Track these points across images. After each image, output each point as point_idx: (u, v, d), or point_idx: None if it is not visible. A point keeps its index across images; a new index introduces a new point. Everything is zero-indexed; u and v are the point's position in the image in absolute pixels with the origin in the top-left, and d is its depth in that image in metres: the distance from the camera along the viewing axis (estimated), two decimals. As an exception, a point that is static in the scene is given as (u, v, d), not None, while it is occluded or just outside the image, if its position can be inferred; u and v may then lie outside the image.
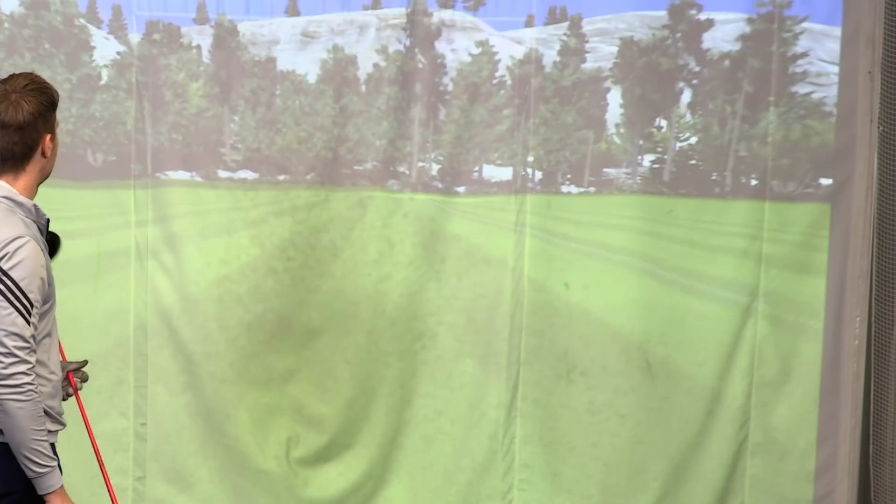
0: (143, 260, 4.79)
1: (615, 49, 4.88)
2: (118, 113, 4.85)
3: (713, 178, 4.92)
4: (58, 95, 3.02)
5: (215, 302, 4.82)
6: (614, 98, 4.95)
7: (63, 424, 3.11)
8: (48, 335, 3.02)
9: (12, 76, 2.97)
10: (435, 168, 4.91)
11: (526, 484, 4.94)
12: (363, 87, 4.89)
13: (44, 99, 2.95)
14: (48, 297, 2.97)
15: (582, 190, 4.95)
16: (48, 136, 2.97)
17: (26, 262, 2.83)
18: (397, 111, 4.87)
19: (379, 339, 4.88)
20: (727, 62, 4.89)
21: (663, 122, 4.97)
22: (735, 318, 4.89)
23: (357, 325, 4.87)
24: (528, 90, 4.88)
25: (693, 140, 4.94)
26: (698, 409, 4.91)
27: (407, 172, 4.90)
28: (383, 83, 4.87)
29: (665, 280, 4.90)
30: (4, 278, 2.80)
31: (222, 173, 4.87)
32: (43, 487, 2.95)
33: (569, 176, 4.94)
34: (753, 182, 4.90)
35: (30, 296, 2.83)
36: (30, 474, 2.92)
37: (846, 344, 4.90)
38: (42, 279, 2.90)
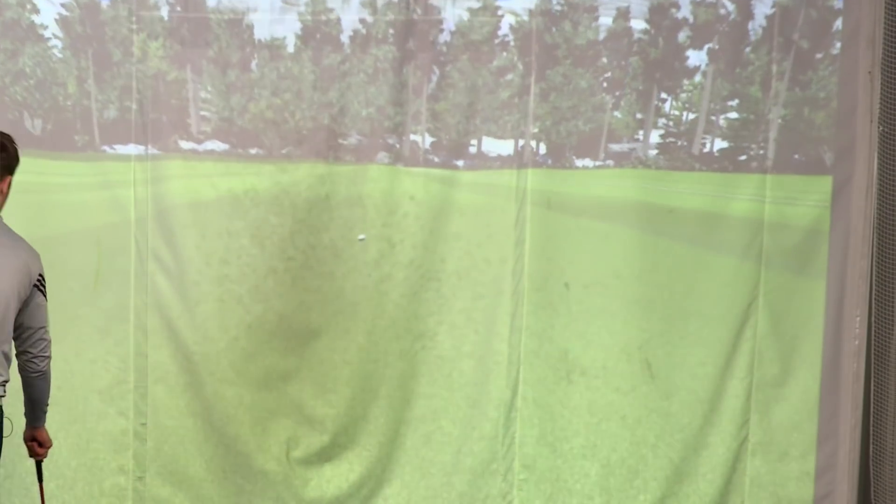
0: (143, 260, 4.78)
1: (609, 20, 4.68)
2: (55, 71, 4.50)
3: (751, 151, 4.66)
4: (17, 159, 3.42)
5: (215, 302, 4.82)
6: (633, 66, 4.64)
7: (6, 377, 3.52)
8: None
9: None
10: (429, 140, 4.74)
11: (526, 484, 4.93)
12: (347, 47, 4.62)
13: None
14: None
15: (598, 164, 4.74)
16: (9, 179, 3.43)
17: None
18: (387, 73, 4.62)
19: (379, 339, 4.87)
20: (772, 13, 4.62)
21: (685, 90, 4.63)
22: (735, 318, 4.89)
23: (357, 325, 4.86)
24: (539, 49, 4.60)
25: (729, 105, 4.70)
26: (698, 408, 4.91)
27: (398, 145, 4.76)
28: (371, 41, 4.63)
29: (665, 280, 4.89)
30: (41, 278, 3.46)
31: (185, 144, 4.58)
32: (44, 420, 3.72)
33: (577, 149, 4.68)
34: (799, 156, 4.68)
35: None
36: (43, 420, 3.71)
37: (846, 344, 4.90)
38: None
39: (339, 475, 4.91)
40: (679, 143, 4.78)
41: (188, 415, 4.84)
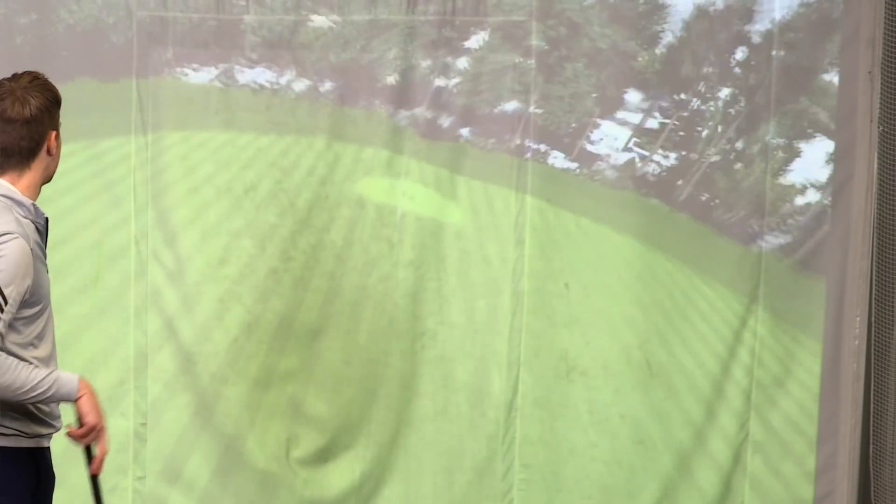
0: (143, 260, 4.78)
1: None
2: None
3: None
4: (60, 95, 3.03)
5: (215, 302, 4.81)
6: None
7: (56, 428, 3.08)
8: (39, 338, 2.97)
9: (16, 75, 2.98)
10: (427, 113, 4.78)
11: (526, 484, 4.93)
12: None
13: (49, 95, 2.96)
14: (38, 301, 2.93)
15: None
16: (53, 133, 2.98)
17: (9, 257, 2.81)
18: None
19: (379, 339, 4.87)
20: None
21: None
22: (735, 318, 4.89)
23: (357, 325, 4.86)
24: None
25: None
26: (698, 409, 4.91)
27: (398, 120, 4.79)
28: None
29: (665, 280, 4.89)
30: None
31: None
32: (65, 397, 3.01)
33: (574, 133, 4.74)
34: None
35: (5, 290, 2.80)
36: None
37: (846, 344, 4.90)
38: (26, 278, 2.85)
39: (339, 475, 4.90)
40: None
41: (188, 415, 4.84)
